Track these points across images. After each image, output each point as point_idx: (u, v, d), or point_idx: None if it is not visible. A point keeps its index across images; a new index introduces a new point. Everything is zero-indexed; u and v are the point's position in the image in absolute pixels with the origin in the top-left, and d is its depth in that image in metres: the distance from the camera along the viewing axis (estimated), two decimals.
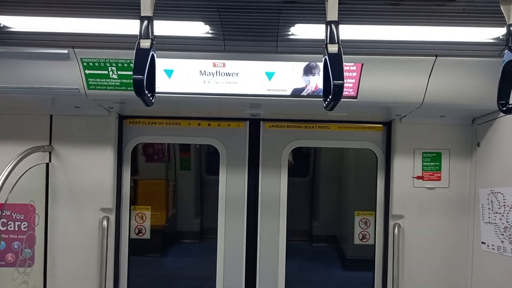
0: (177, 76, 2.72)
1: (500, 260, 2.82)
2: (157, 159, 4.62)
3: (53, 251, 3.29)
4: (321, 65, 2.62)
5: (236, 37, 2.45)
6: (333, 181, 5.05)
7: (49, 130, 3.28)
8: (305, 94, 2.76)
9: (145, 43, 1.40)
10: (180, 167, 5.10)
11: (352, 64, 2.64)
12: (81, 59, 2.60)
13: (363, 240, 3.63)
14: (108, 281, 3.31)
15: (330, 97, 1.38)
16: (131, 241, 3.57)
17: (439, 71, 2.62)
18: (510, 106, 1.46)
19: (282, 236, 3.50)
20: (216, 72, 2.70)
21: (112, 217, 3.32)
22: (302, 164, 5.15)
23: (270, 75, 2.72)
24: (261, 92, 2.76)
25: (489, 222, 2.95)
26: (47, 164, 3.28)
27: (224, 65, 2.68)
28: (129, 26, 2.31)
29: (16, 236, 3.26)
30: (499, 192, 2.85)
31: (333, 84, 1.34)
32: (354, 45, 2.46)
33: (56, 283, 3.30)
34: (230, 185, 3.49)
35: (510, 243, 2.74)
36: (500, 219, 2.84)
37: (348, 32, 2.30)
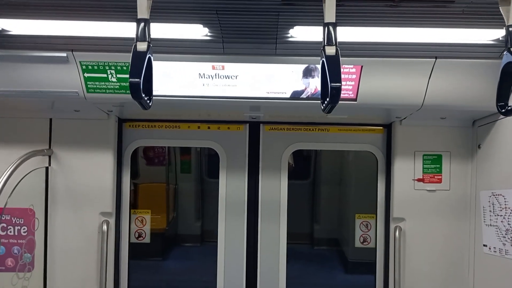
0: (176, 79, 2.71)
1: (502, 262, 2.80)
2: (158, 162, 4.61)
3: (53, 255, 3.28)
4: (320, 67, 2.63)
5: (235, 39, 2.45)
6: (334, 184, 5.03)
7: (48, 133, 3.27)
8: (305, 97, 2.76)
9: (142, 46, 1.39)
10: (180, 170, 5.09)
11: (352, 66, 2.63)
12: (80, 62, 2.60)
13: (364, 243, 3.62)
14: (108, 286, 3.30)
15: (328, 99, 1.37)
16: (131, 245, 3.55)
17: (439, 73, 2.62)
18: (509, 108, 1.45)
19: (282, 239, 3.49)
20: (216, 75, 2.70)
21: (112, 221, 3.31)
22: (303, 166, 5.13)
23: (269, 78, 2.71)
24: (261, 94, 2.75)
25: (490, 225, 2.93)
26: (47, 168, 3.28)
27: (223, 67, 2.68)
28: (128, 29, 2.30)
29: (15, 241, 3.25)
30: (500, 195, 2.84)
31: (331, 87, 1.34)
32: (353, 47, 2.45)
33: None
34: (230, 188, 3.48)
35: None
36: (502, 221, 2.82)
37: (347, 34, 2.30)
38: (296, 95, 2.76)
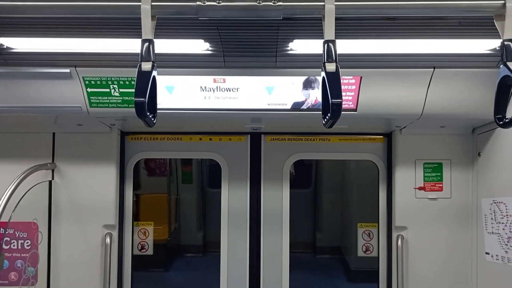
0: (178, 93, 2.75)
1: (505, 270, 2.80)
2: (159, 173, 4.63)
3: (56, 269, 3.28)
4: (320, 78, 2.66)
5: (235, 53, 2.49)
6: (335, 192, 5.04)
7: (51, 147, 3.30)
8: (305, 108, 2.79)
9: (146, 66, 1.42)
10: (182, 180, 5.11)
11: (351, 77, 2.67)
12: (83, 77, 2.64)
13: (367, 252, 3.62)
14: None
15: (329, 115, 1.40)
16: (134, 257, 3.56)
17: (437, 83, 2.65)
18: (507, 120, 1.47)
19: (285, 249, 3.49)
20: (217, 87, 2.73)
21: (115, 234, 3.32)
22: (304, 175, 5.16)
23: (270, 89, 2.75)
24: (262, 106, 2.78)
25: (492, 232, 2.94)
26: (50, 182, 3.30)
27: (224, 80, 2.71)
28: (130, 45, 2.34)
29: (19, 255, 3.26)
30: (502, 202, 2.85)
31: (332, 103, 1.36)
32: (353, 58, 2.48)
33: None
34: (233, 198, 3.50)
35: None
36: (503, 229, 2.83)
37: (347, 46, 2.33)
38: (296, 106, 2.78)
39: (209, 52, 2.45)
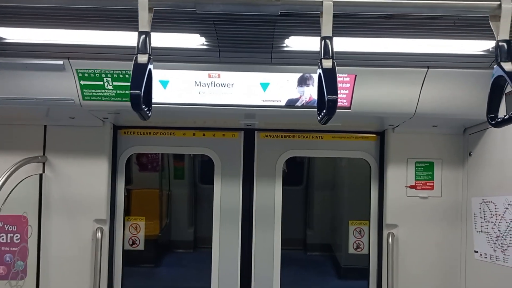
0: (173, 87, 2.73)
1: (493, 268, 2.85)
2: (151, 168, 4.60)
3: (46, 263, 3.26)
4: (315, 76, 2.67)
5: (231, 48, 2.48)
6: (327, 190, 5.06)
7: (43, 140, 3.26)
8: (300, 105, 2.79)
9: (143, 58, 1.41)
10: (174, 176, 5.09)
11: (346, 75, 2.68)
12: (76, 70, 2.61)
13: (358, 250, 3.65)
14: None
15: (324, 111, 1.40)
16: (124, 252, 3.54)
17: (431, 82, 2.67)
18: (499, 119, 1.49)
19: (277, 246, 3.50)
20: (211, 83, 2.72)
21: (106, 228, 3.30)
22: (296, 172, 5.17)
23: (264, 86, 2.74)
24: (256, 102, 2.78)
25: (481, 231, 2.98)
26: (41, 175, 3.26)
27: (219, 76, 2.70)
28: (125, 38, 2.32)
29: (8, 248, 3.22)
30: (491, 201, 2.89)
31: (327, 99, 1.36)
32: (348, 56, 2.49)
33: None
34: (225, 195, 3.50)
35: (502, 251, 2.77)
36: (492, 228, 2.87)
37: (342, 44, 2.33)
38: (291, 103, 2.79)
39: (205, 47, 2.44)
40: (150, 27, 1.43)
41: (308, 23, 2.12)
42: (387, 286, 3.29)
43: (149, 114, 1.49)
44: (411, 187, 3.34)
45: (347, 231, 3.69)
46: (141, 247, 3.65)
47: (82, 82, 2.66)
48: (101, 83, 2.67)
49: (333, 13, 1.43)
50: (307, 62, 2.53)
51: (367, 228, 3.60)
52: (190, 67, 2.65)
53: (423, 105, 2.76)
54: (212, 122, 3.41)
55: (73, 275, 3.27)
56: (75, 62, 2.57)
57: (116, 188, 3.46)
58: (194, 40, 2.38)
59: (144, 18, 1.41)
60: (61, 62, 2.55)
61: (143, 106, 1.42)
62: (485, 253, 2.94)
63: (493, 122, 1.52)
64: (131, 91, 1.35)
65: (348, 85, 2.71)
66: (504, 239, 2.75)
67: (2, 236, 3.21)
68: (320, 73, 1.44)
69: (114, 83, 2.68)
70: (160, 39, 2.32)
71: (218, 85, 2.73)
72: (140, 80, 1.38)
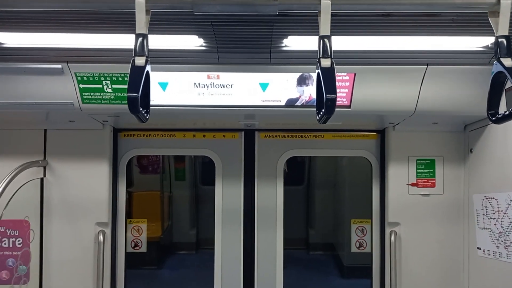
0: (172, 89, 2.73)
1: (496, 265, 2.84)
2: (152, 170, 4.60)
3: (48, 267, 3.25)
4: (314, 75, 2.66)
5: (229, 49, 2.48)
6: (328, 189, 5.06)
7: (43, 144, 3.26)
8: (299, 104, 2.79)
9: (140, 61, 1.40)
10: (175, 177, 5.09)
11: (345, 74, 2.67)
12: (75, 73, 2.61)
13: (360, 248, 3.64)
14: None
15: (323, 110, 1.40)
16: (127, 254, 3.54)
17: (431, 80, 2.66)
18: (500, 116, 1.48)
19: (279, 246, 3.50)
20: (211, 84, 2.72)
21: (108, 231, 3.30)
22: (297, 172, 5.16)
23: (264, 86, 2.74)
24: (256, 103, 2.78)
25: (484, 228, 2.97)
26: (42, 179, 3.26)
27: (218, 77, 2.70)
28: (123, 41, 2.32)
29: (10, 253, 3.22)
30: (493, 198, 2.88)
31: (326, 98, 1.36)
32: (347, 55, 2.49)
33: None
34: (226, 195, 3.49)
35: (505, 248, 2.77)
36: (495, 224, 2.86)
37: (341, 42, 2.33)
38: (290, 103, 2.78)
39: (203, 48, 2.43)
40: (147, 29, 1.43)
41: (306, 22, 2.12)
42: (390, 284, 3.28)
43: (147, 117, 1.49)
44: (413, 184, 3.33)
45: (349, 230, 3.69)
46: (143, 249, 3.65)
47: (81, 86, 2.66)
48: (100, 86, 2.67)
49: (331, 12, 1.43)
50: (306, 61, 2.52)
51: (369, 227, 3.59)
52: (189, 68, 2.65)
53: (423, 103, 2.75)
54: (212, 123, 3.40)
55: (76, 279, 3.27)
56: (73, 65, 2.57)
57: (117, 190, 3.46)
58: (192, 42, 2.38)
59: (141, 20, 1.40)
60: (59, 66, 2.55)
61: (141, 109, 1.41)
62: (488, 250, 2.93)
63: (494, 118, 1.51)
64: (128, 94, 1.35)
65: (347, 83, 2.71)
66: (507, 235, 2.74)
67: (4, 240, 3.21)
68: (318, 73, 1.43)
69: (113, 86, 2.67)
70: (159, 41, 2.32)
71: (217, 86, 2.72)
72: (138, 82, 1.37)
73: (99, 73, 2.62)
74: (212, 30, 2.24)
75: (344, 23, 2.12)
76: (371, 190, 3.54)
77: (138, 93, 1.37)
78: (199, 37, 2.33)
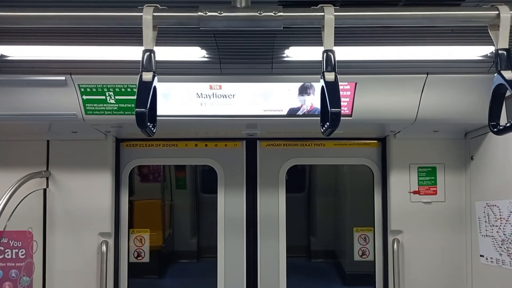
0: (175, 99, 2.75)
1: (499, 272, 2.84)
2: (153, 179, 4.61)
3: (52, 278, 3.25)
4: (315, 85, 2.69)
5: (232, 60, 2.50)
6: (329, 196, 5.06)
7: (46, 155, 3.27)
8: (301, 114, 2.81)
9: (147, 76, 1.42)
10: (176, 186, 5.09)
11: (346, 83, 2.70)
12: (78, 85, 2.63)
13: (363, 257, 3.64)
14: None
15: (327, 124, 1.41)
16: (129, 264, 3.54)
17: (431, 88, 2.69)
18: (501, 127, 1.50)
19: (282, 254, 3.50)
20: (213, 94, 2.74)
21: (111, 242, 3.30)
22: (298, 179, 5.17)
23: (266, 96, 2.76)
24: (258, 112, 2.80)
25: (486, 235, 2.98)
26: (45, 190, 3.27)
27: (220, 87, 2.72)
28: (126, 52, 2.34)
29: (13, 264, 3.22)
30: (495, 205, 2.89)
31: (331, 112, 1.37)
32: (348, 65, 2.51)
33: None
34: (229, 204, 3.50)
35: (508, 255, 2.77)
36: (497, 232, 2.87)
37: (342, 52, 2.35)
38: (292, 112, 2.80)
39: (206, 59, 2.46)
40: (154, 45, 1.45)
41: (307, 34, 2.15)
42: None
43: (154, 131, 1.50)
44: (415, 192, 3.34)
45: (351, 238, 3.69)
46: (146, 259, 3.64)
47: (84, 97, 2.68)
48: (103, 97, 2.68)
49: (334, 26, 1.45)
50: (308, 71, 2.55)
51: (372, 235, 3.60)
52: (191, 79, 2.68)
53: (424, 111, 2.77)
54: (214, 133, 3.42)
55: None
56: (77, 77, 2.59)
57: (120, 200, 3.47)
58: (195, 53, 2.40)
59: (148, 36, 1.42)
60: (63, 78, 2.57)
61: (148, 123, 1.43)
62: (491, 257, 2.94)
63: (495, 130, 1.53)
64: (136, 109, 1.36)
65: (348, 93, 2.73)
66: (510, 243, 2.75)
67: (8, 252, 3.21)
68: (322, 86, 1.45)
69: (116, 97, 2.69)
70: (162, 53, 2.33)
71: (219, 96, 2.74)
72: (145, 97, 1.38)
73: (102, 84, 2.64)
74: (215, 42, 2.27)
75: (345, 34, 2.15)
76: (372, 198, 3.55)
77: (146, 108, 1.38)
78: (202, 49, 2.35)
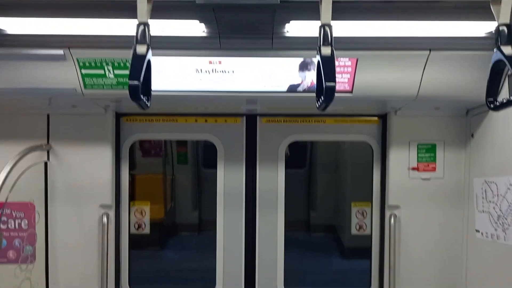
0: (173, 74, 2.73)
1: (494, 247, 2.89)
2: (154, 154, 4.64)
3: (54, 248, 3.33)
4: (316, 60, 2.66)
5: (231, 35, 2.46)
6: (329, 172, 5.10)
7: (46, 129, 3.29)
8: (301, 90, 2.79)
9: (142, 49, 1.41)
10: (177, 161, 5.13)
11: (347, 59, 2.66)
12: (77, 59, 2.61)
13: (360, 231, 3.69)
14: (109, 276, 3.36)
15: (322, 98, 1.40)
16: (130, 236, 3.61)
17: (433, 65, 2.65)
18: (498, 103, 1.49)
19: (280, 229, 3.55)
20: (212, 69, 2.72)
21: (112, 214, 3.36)
22: (299, 155, 5.20)
23: (266, 71, 2.74)
24: (257, 88, 2.78)
25: (483, 211, 3.01)
26: (46, 163, 3.30)
27: (220, 62, 2.70)
28: (125, 26, 2.31)
29: (16, 234, 3.30)
30: (493, 182, 2.91)
31: (325, 86, 1.37)
32: (349, 40, 2.47)
33: (58, 279, 3.35)
34: (228, 179, 3.53)
35: (503, 231, 2.81)
36: (494, 207, 2.90)
37: (343, 28, 2.32)
38: (292, 89, 2.79)
39: (205, 34, 2.42)
40: (148, 18, 1.43)
41: (308, 8, 2.10)
42: (389, 266, 3.34)
43: (149, 104, 1.50)
44: (414, 169, 3.35)
45: (349, 212, 3.73)
46: (146, 231, 3.71)
47: (83, 71, 2.67)
48: (102, 71, 2.67)
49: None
50: (308, 47, 2.49)
51: (370, 210, 3.64)
52: (190, 54, 2.65)
53: (425, 88, 2.75)
54: (214, 108, 3.41)
55: (81, 259, 3.34)
56: (75, 51, 2.57)
57: (120, 174, 3.50)
58: (194, 27, 2.37)
59: (143, 9, 1.41)
60: (61, 52, 2.55)
61: (142, 96, 1.43)
62: (486, 232, 2.98)
63: (492, 106, 1.52)
64: (129, 82, 1.36)
65: (349, 69, 2.70)
66: (505, 218, 2.78)
67: (11, 222, 3.28)
68: (318, 61, 1.44)
69: (115, 72, 2.68)
70: (160, 27, 2.31)
71: (219, 71, 2.72)
72: (139, 70, 1.38)
73: (101, 58, 2.62)
74: (214, 16, 2.23)
75: (346, 8, 2.11)
76: (371, 173, 3.57)
77: (139, 81, 1.38)
78: (201, 22, 2.32)
